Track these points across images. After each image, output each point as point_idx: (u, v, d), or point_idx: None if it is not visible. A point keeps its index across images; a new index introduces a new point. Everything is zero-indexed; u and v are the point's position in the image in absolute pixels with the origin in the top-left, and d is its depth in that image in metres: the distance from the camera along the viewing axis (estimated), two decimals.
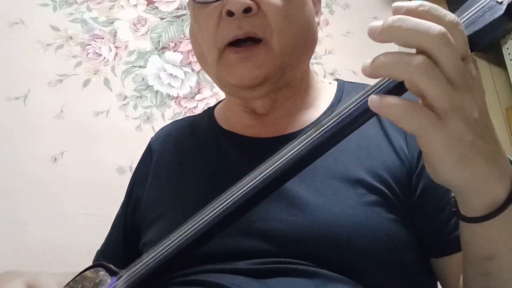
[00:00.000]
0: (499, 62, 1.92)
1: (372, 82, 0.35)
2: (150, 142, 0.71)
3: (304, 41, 0.55)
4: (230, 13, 0.50)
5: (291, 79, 0.57)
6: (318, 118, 0.56)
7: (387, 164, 0.50)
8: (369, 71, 0.32)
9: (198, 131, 0.65)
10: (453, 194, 0.39)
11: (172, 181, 0.60)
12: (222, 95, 1.40)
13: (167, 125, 0.73)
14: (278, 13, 0.51)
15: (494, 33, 0.33)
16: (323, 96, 0.61)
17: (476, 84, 0.31)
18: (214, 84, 1.47)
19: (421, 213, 0.49)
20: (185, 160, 0.62)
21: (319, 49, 1.60)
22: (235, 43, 0.52)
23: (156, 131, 0.73)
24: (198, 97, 1.37)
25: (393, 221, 0.47)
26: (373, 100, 0.31)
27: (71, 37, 1.28)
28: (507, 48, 1.88)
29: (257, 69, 0.51)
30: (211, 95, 1.38)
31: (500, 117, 1.86)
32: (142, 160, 0.70)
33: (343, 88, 0.61)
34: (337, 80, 0.65)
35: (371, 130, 0.54)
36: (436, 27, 0.29)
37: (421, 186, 0.50)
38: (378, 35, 0.31)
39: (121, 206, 0.70)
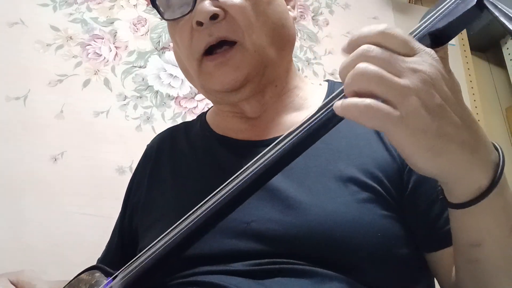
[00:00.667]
0: (499, 62, 1.92)
1: None
2: (146, 149, 0.72)
3: (279, 36, 0.56)
4: (199, 23, 0.51)
5: (273, 77, 0.57)
6: (309, 118, 0.57)
7: (378, 161, 0.51)
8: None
9: (192, 136, 0.66)
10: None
11: (167, 187, 0.61)
12: None
13: (162, 132, 0.74)
14: (245, 13, 0.52)
15: (467, 23, 0.35)
16: (313, 97, 0.61)
17: (433, 71, 0.32)
18: None
19: (413, 208, 0.50)
20: (180, 166, 0.62)
21: (319, 49, 1.60)
22: (211, 51, 0.53)
23: (156, 134, 0.74)
24: (198, 97, 1.37)
25: (386, 217, 0.48)
26: (336, 106, 0.34)
27: (71, 37, 1.28)
28: (507, 48, 1.88)
29: (235, 72, 0.52)
30: None
31: (500, 117, 1.86)
32: (138, 167, 0.71)
33: (333, 89, 0.62)
34: (327, 80, 0.66)
35: (361, 127, 0.54)
36: (358, 50, 0.33)
37: (412, 181, 0.50)
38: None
39: (119, 214, 0.71)
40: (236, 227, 0.48)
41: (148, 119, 1.28)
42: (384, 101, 0.32)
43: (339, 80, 0.65)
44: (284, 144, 0.38)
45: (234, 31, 0.52)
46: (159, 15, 0.56)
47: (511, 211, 0.39)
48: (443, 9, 0.35)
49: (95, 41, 1.31)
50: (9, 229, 1.03)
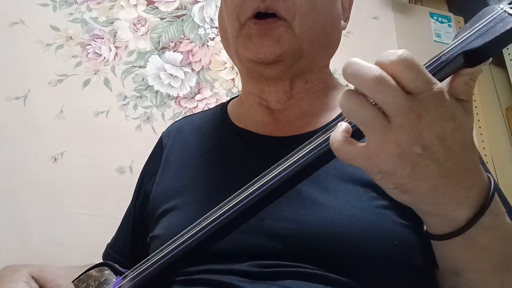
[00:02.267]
0: (499, 62, 1.92)
1: None
2: (161, 137, 0.70)
3: (326, 35, 0.55)
4: None
5: (306, 70, 0.56)
6: (334, 119, 0.55)
7: None
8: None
9: (210, 127, 0.65)
10: None
11: (181, 176, 0.60)
12: (222, 95, 1.40)
13: (178, 120, 0.73)
14: None
15: (505, 44, 0.33)
16: (339, 97, 0.60)
17: (425, 120, 0.30)
18: (214, 84, 1.47)
19: None
20: (196, 156, 0.61)
21: None
22: (257, 18, 0.52)
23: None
24: (198, 97, 1.37)
25: (404, 226, 0.46)
26: (332, 141, 0.33)
27: (71, 37, 1.28)
28: (507, 48, 1.88)
29: (275, 44, 0.51)
30: (211, 95, 1.38)
31: (500, 117, 1.86)
32: (152, 154, 0.70)
33: None
34: None
35: None
36: (370, 73, 0.31)
37: None
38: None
39: (131, 201, 0.70)
40: (249, 223, 0.46)
41: (148, 119, 1.28)
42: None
43: (342, 81, 0.65)
44: (324, 142, 0.36)
45: (287, 9, 0.51)
46: None
47: (499, 248, 0.37)
48: (479, 27, 0.33)
49: (95, 41, 1.31)
50: (9, 229, 1.03)
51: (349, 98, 0.32)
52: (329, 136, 0.35)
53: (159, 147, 0.68)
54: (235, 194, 0.39)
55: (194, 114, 0.74)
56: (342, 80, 0.71)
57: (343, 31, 0.61)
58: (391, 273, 0.44)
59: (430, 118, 0.30)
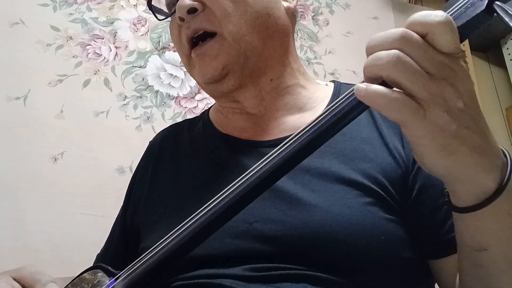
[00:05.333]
0: (499, 62, 1.92)
1: None
2: (148, 145, 0.71)
3: (264, 25, 0.55)
4: (181, 19, 0.53)
5: (262, 66, 0.57)
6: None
7: (382, 166, 0.50)
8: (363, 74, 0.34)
9: (195, 134, 0.66)
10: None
11: (169, 185, 0.60)
12: None
13: (165, 128, 0.74)
14: (221, 3, 0.53)
15: (476, 28, 0.35)
16: (318, 96, 0.60)
17: (461, 76, 0.32)
18: None
19: (417, 214, 0.49)
20: (182, 164, 0.62)
21: (319, 49, 1.60)
22: (196, 45, 0.55)
23: (156, 133, 0.73)
24: (198, 97, 1.37)
25: (390, 220, 0.47)
26: (359, 88, 0.33)
27: (71, 37, 1.28)
28: (507, 48, 1.88)
29: (213, 61, 0.53)
30: None
31: (500, 117, 1.86)
32: (141, 163, 0.70)
33: (340, 90, 0.61)
34: (333, 81, 0.65)
35: (366, 131, 0.54)
36: (397, 31, 0.32)
37: (417, 187, 0.50)
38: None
39: (120, 210, 0.70)
40: (238, 227, 0.47)
41: (148, 119, 1.28)
42: (408, 93, 0.32)
43: (342, 81, 0.65)
44: (302, 136, 0.37)
45: (211, 22, 0.53)
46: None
47: None
48: (452, 13, 0.35)
49: (95, 41, 1.31)
50: (9, 229, 1.03)
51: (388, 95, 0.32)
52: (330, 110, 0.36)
53: (147, 156, 0.69)
54: (217, 195, 0.40)
55: (180, 122, 0.75)
56: (346, 79, 0.71)
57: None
58: (381, 268, 0.45)
59: (464, 74, 0.33)
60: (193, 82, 1.37)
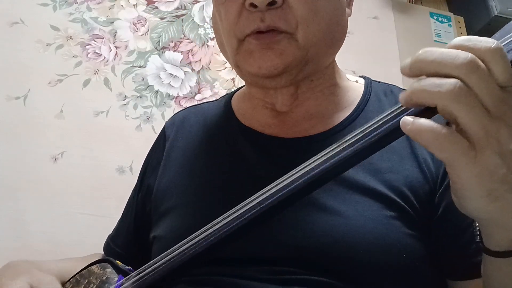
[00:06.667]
0: None
1: (397, 81, 0.34)
2: (164, 128, 0.68)
3: (332, 34, 0.52)
4: (254, 5, 0.47)
5: (312, 72, 0.54)
6: (343, 121, 0.54)
7: (410, 179, 0.48)
8: (405, 96, 0.31)
9: (214, 122, 0.62)
10: (477, 224, 0.37)
11: (184, 172, 0.58)
12: (222, 95, 1.40)
13: (181, 110, 0.70)
14: (305, 5, 0.47)
15: None
16: (349, 96, 0.58)
17: None
18: (214, 84, 1.47)
19: (442, 233, 0.48)
20: (198, 153, 0.59)
21: None
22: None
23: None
24: (198, 97, 1.37)
25: (413, 237, 0.45)
26: (406, 122, 0.30)
27: (71, 37, 1.28)
28: None
29: (277, 58, 0.48)
30: (211, 94, 1.38)
31: None
32: (155, 146, 0.68)
33: (371, 88, 0.58)
34: (364, 77, 0.62)
35: (396, 141, 0.52)
36: (462, 54, 0.28)
37: (444, 205, 0.48)
38: (408, 70, 0.31)
39: (132, 191, 0.68)
40: (257, 232, 0.45)
41: (148, 119, 1.28)
42: (460, 129, 0.29)
43: (368, 78, 0.61)
44: (335, 155, 0.34)
45: (288, 22, 0.47)
46: None
47: None
48: (508, 42, 0.31)
49: (95, 40, 1.31)
50: (9, 229, 1.03)
51: (439, 132, 0.28)
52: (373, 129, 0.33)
53: (162, 138, 0.66)
54: (251, 198, 0.38)
55: (199, 105, 0.70)
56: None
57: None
58: (398, 284, 0.44)
59: None
60: (193, 82, 1.37)
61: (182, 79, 1.37)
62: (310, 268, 0.44)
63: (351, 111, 0.55)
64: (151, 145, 0.69)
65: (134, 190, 0.67)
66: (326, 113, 0.56)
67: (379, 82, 0.61)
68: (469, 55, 0.28)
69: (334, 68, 0.59)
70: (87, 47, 1.29)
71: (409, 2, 1.82)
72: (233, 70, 0.55)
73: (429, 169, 0.49)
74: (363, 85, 0.59)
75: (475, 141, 0.29)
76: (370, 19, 1.72)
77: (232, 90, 1.31)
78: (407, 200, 0.47)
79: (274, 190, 0.36)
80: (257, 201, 0.37)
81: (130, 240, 0.65)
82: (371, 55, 1.62)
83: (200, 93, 1.37)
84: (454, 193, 0.33)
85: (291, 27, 0.48)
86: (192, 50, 1.41)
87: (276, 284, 0.43)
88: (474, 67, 0.28)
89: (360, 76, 0.63)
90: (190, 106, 0.71)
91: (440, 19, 1.82)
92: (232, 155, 0.56)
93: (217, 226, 0.39)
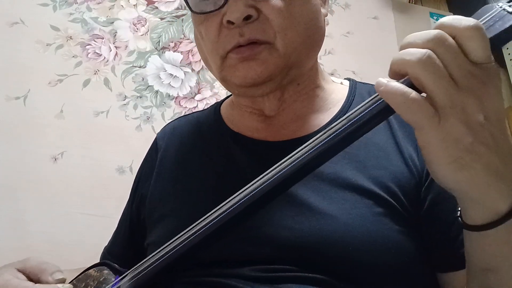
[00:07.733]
0: (499, 62, 1.92)
1: None
2: (156, 138, 0.69)
3: (311, 37, 0.53)
4: (231, 22, 0.48)
5: (297, 76, 0.55)
6: (329, 122, 0.55)
7: (396, 175, 0.49)
8: (389, 68, 0.34)
9: (204, 129, 0.64)
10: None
11: (176, 180, 0.60)
12: (222, 95, 1.40)
13: (172, 120, 0.72)
14: (280, 14, 0.49)
15: (504, 42, 0.34)
16: (334, 97, 0.59)
17: (490, 91, 0.31)
18: (214, 84, 1.47)
19: (429, 226, 0.48)
20: (190, 160, 0.61)
21: None
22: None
23: (162, 127, 0.72)
24: (198, 97, 1.37)
25: (401, 233, 0.46)
26: (380, 83, 0.32)
27: (71, 37, 1.28)
28: (507, 48, 1.88)
29: (260, 67, 0.50)
30: (211, 95, 1.38)
31: None
32: (147, 156, 0.69)
33: (355, 89, 0.59)
34: (348, 79, 0.63)
35: (381, 138, 0.53)
36: (434, 31, 0.32)
37: (430, 198, 0.49)
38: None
39: (127, 203, 0.69)
40: (246, 231, 0.47)
41: (148, 119, 1.28)
42: (428, 96, 0.31)
43: (353, 80, 0.64)
44: (328, 137, 0.36)
45: (266, 32, 0.49)
46: (187, 7, 0.52)
47: None
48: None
49: (95, 41, 1.31)
50: (9, 229, 1.03)
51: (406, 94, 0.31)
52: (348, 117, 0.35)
53: (154, 149, 0.68)
54: (230, 198, 0.39)
55: (188, 114, 0.72)
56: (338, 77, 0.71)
57: (325, 26, 0.58)
58: (388, 280, 0.44)
59: (493, 89, 0.31)
60: (192, 82, 1.37)
61: (182, 79, 1.37)
62: (301, 266, 0.44)
63: (336, 112, 0.56)
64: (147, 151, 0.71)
65: (128, 201, 0.69)
66: (312, 114, 0.57)
67: (364, 83, 0.62)
68: (438, 31, 0.32)
69: (318, 70, 0.61)
70: (87, 47, 1.29)
71: (409, 2, 1.82)
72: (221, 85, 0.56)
73: (414, 164, 0.50)
74: (348, 87, 0.61)
75: (439, 107, 0.31)
76: (370, 19, 1.72)
77: None
78: (395, 196, 0.48)
79: (261, 181, 0.38)
80: (239, 198, 0.38)
81: (126, 249, 0.66)
82: (371, 55, 1.62)
83: (200, 93, 1.37)
84: (425, 159, 0.35)
85: (269, 37, 0.49)
86: (192, 50, 1.41)
87: (269, 283, 0.44)
88: (441, 39, 0.31)
89: (345, 79, 0.64)
90: (180, 116, 0.73)
91: (440, 19, 1.82)
92: (224, 161, 0.57)
93: (207, 220, 0.40)
